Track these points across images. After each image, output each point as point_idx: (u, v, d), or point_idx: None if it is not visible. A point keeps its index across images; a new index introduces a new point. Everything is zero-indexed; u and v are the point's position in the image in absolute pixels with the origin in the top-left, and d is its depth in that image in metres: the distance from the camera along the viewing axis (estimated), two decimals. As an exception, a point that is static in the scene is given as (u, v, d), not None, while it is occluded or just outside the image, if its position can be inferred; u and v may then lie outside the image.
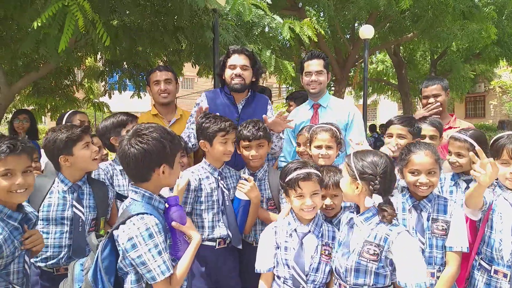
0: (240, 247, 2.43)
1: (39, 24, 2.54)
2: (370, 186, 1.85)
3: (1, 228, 1.75)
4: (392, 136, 2.64)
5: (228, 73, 2.86)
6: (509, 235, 2.04)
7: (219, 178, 2.47)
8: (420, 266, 1.81)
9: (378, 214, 1.88)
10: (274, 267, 2.08)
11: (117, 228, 1.62)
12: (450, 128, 3.18)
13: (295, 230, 2.07)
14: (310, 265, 2.01)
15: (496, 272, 2.09)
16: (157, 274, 1.56)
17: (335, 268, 1.95)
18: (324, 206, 2.23)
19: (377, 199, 1.86)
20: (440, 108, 3.24)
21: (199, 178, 2.43)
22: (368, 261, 1.81)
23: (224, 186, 2.47)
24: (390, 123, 2.68)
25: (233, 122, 2.47)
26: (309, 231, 2.06)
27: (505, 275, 2.05)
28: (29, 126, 4.35)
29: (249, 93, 2.97)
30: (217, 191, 2.44)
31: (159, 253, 1.57)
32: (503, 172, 2.07)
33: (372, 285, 1.83)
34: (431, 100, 3.28)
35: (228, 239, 2.42)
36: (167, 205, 1.80)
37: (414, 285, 1.75)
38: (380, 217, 1.85)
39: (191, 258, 1.73)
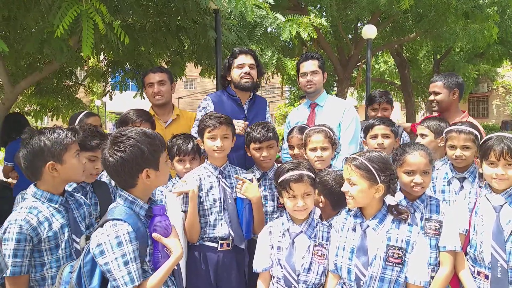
0: (242, 246, 2.43)
1: (62, 32, 2.48)
2: (391, 185, 1.89)
3: (37, 211, 1.84)
4: (376, 137, 2.77)
5: (236, 72, 2.92)
6: (490, 237, 2.06)
7: (220, 176, 2.47)
8: (426, 265, 1.89)
9: (390, 214, 1.91)
10: (270, 266, 2.10)
11: (95, 230, 1.61)
12: None
13: (288, 230, 2.08)
14: (302, 265, 2.01)
15: (478, 273, 2.11)
16: (121, 284, 1.53)
17: (349, 276, 1.90)
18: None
19: (398, 196, 1.91)
20: (436, 108, 3.26)
21: (200, 178, 2.43)
22: (394, 265, 1.83)
23: (226, 185, 2.47)
24: (372, 125, 2.81)
25: (226, 119, 2.46)
26: (301, 231, 2.07)
27: (486, 277, 2.07)
28: None
29: (252, 94, 3.03)
30: (218, 190, 2.44)
31: (125, 263, 1.54)
32: (490, 173, 2.09)
33: None
34: (431, 97, 3.28)
35: (230, 238, 2.41)
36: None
37: (422, 282, 1.83)
38: (399, 218, 1.90)
39: (166, 273, 1.66)
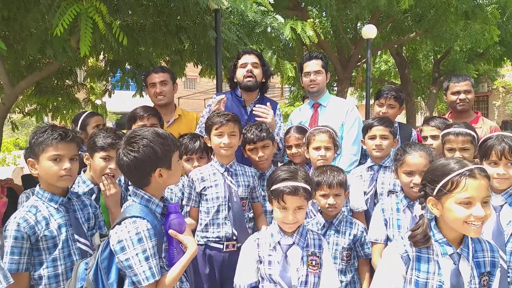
0: None
1: (61, 31, 2.50)
2: None
3: (36, 210, 1.87)
4: (375, 138, 2.73)
5: (240, 72, 2.97)
6: (490, 238, 2.04)
7: (226, 174, 2.46)
8: None
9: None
10: (256, 282, 1.96)
11: (113, 228, 1.64)
12: None
13: (279, 242, 1.94)
14: (298, 279, 1.89)
15: None
16: (142, 279, 1.57)
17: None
18: (327, 206, 2.23)
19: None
20: (465, 106, 3.28)
21: (202, 176, 2.44)
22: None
23: (232, 183, 2.46)
24: (371, 125, 2.77)
25: (233, 116, 2.47)
26: (293, 243, 1.94)
27: None
28: None
29: (258, 96, 3.04)
30: (223, 187, 2.43)
31: (146, 258, 1.58)
32: (491, 172, 2.06)
33: None
34: (462, 96, 3.28)
35: (235, 238, 2.40)
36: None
37: None
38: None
39: (183, 268, 1.70)
